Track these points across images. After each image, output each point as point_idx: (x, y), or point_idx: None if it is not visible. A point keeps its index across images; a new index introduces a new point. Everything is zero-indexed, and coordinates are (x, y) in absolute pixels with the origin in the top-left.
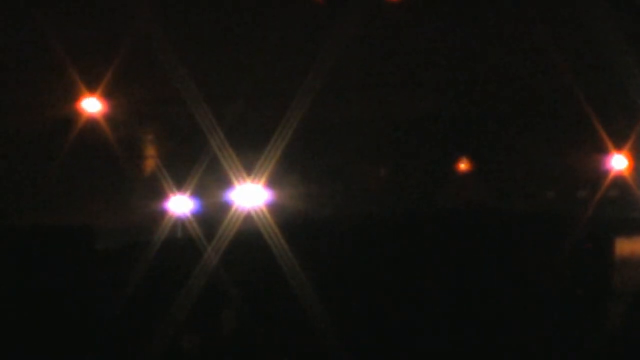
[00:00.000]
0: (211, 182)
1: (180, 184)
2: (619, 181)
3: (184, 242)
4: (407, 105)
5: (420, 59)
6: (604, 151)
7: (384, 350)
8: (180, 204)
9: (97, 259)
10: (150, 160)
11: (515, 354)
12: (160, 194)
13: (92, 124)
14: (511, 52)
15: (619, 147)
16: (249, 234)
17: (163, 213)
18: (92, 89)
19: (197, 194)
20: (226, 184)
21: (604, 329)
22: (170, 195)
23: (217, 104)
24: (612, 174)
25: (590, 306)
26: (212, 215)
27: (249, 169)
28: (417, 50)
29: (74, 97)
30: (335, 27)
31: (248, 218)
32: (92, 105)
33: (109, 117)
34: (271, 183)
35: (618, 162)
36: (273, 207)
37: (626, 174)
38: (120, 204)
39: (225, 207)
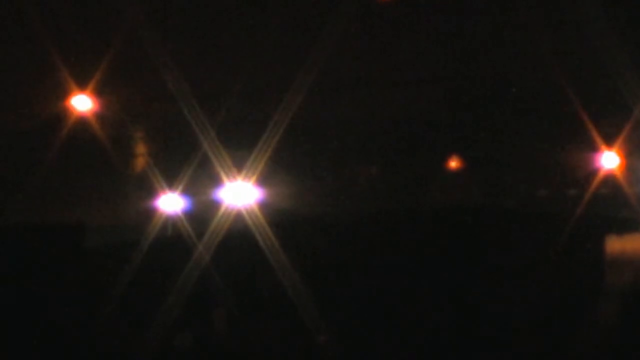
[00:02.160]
0: (202, 180)
1: (170, 182)
2: (610, 179)
3: (174, 240)
4: (398, 103)
5: (412, 57)
6: (595, 149)
7: (379, 349)
8: (170, 202)
9: (87, 257)
10: (141, 158)
11: (507, 352)
12: (151, 192)
13: (82, 121)
14: (502, 51)
15: (610, 144)
16: (240, 232)
17: (153, 211)
18: (82, 86)
19: (187, 191)
20: (217, 182)
21: (594, 327)
22: (161, 193)
23: (208, 102)
24: (603, 172)
25: (580, 305)
26: (202, 214)
27: (240, 167)
28: (408, 49)
29: (64, 94)
30: (326, 26)
31: (239, 216)
32: (82, 102)
33: (99, 115)
34: (262, 181)
35: (609, 160)
36: (264, 205)
37: (618, 171)
38: (110, 201)
39: (216, 205)
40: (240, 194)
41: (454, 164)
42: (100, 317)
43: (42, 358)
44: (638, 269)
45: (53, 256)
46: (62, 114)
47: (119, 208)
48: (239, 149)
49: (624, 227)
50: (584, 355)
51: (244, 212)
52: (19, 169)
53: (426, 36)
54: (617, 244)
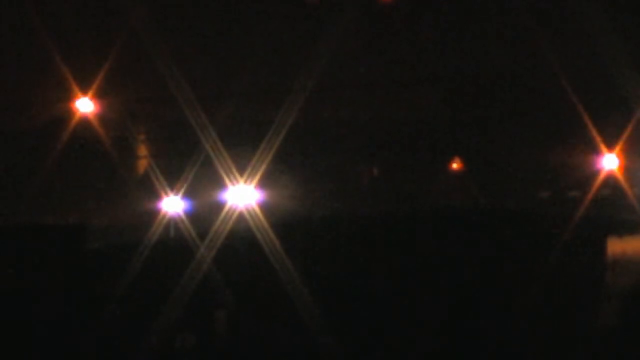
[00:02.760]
0: (204, 182)
1: (173, 184)
2: (611, 181)
3: (176, 242)
4: (399, 105)
5: (413, 59)
6: (596, 151)
7: (378, 349)
8: (173, 204)
9: (90, 258)
10: (143, 160)
11: (506, 353)
12: (153, 194)
13: (85, 124)
14: (503, 52)
15: (611, 146)
16: (241, 234)
17: (156, 213)
18: (85, 89)
19: (189, 194)
20: (219, 184)
21: (595, 328)
22: (163, 195)
23: (210, 104)
24: (604, 174)
25: (582, 306)
26: (204, 216)
27: (242, 169)
28: (409, 50)
29: (67, 97)
30: (328, 27)
31: (241, 218)
32: (85, 105)
33: (102, 117)
34: (264, 183)
35: (610, 162)
36: (266, 207)
37: (618, 173)
38: (113, 203)
39: (218, 207)
40: (242, 196)
41: (456, 165)
42: (103, 318)
43: (44, 356)
44: (638, 269)
45: (55, 257)
46: (64, 116)
47: (122, 209)
48: (242, 151)
49: (625, 228)
50: (585, 354)
51: (246, 214)
52: (22, 170)
53: (428, 38)
54: (618, 245)
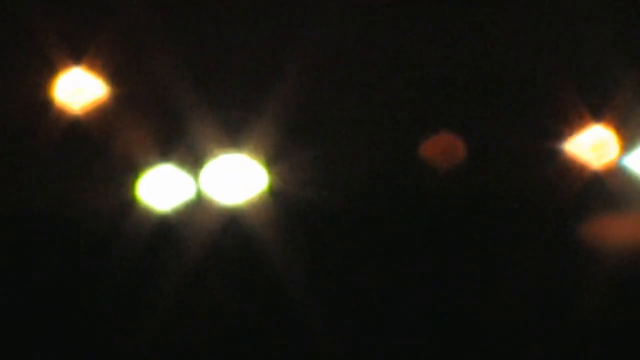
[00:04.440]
0: (200, 166)
1: (165, 167)
2: (602, 168)
3: (161, 230)
4: (398, 93)
5: (409, 46)
6: (583, 135)
7: (376, 339)
8: (168, 188)
9: (80, 245)
10: (135, 143)
11: (502, 344)
12: (144, 177)
13: (69, 106)
14: (493, 36)
15: (597, 119)
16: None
17: (148, 197)
18: (70, 67)
19: (184, 177)
20: (215, 168)
21: (579, 315)
22: (156, 178)
23: (209, 86)
24: (591, 153)
25: (566, 293)
26: (199, 199)
27: (238, 154)
28: (406, 39)
29: (53, 75)
30: (328, 15)
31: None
32: (69, 86)
33: (89, 100)
34: (262, 169)
35: (597, 136)
36: (263, 194)
37: (610, 160)
38: (101, 188)
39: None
40: (239, 181)
41: (456, 152)
42: (96, 304)
43: (37, 345)
44: (628, 257)
45: (45, 245)
46: (48, 98)
47: (111, 195)
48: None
49: (615, 206)
50: (567, 342)
51: (243, 200)
52: (3, 156)
53: (416, 22)
54: (605, 229)
